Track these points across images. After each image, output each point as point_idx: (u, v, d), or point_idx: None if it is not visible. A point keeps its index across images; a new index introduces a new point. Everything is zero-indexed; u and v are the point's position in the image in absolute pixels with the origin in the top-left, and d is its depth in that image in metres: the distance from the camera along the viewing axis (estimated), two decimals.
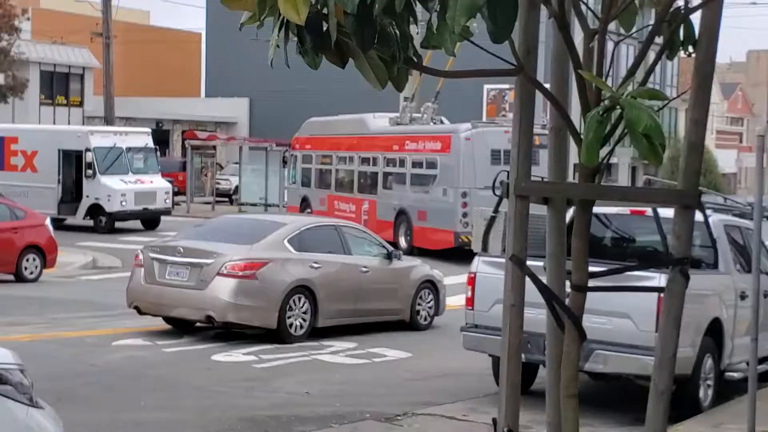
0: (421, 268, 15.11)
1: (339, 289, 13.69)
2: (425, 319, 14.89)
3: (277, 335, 12.97)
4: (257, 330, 13.35)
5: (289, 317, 13.01)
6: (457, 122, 26.79)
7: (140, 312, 13.58)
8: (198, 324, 13.53)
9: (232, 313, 12.70)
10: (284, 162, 34.44)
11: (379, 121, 28.82)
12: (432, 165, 25.28)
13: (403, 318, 14.63)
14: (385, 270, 14.46)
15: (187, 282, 12.89)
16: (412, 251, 23.95)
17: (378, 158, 27.59)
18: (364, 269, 14.10)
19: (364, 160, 28.36)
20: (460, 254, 25.26)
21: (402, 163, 26.48)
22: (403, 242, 25.39)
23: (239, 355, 12.16)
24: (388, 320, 14.50)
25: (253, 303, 12.76)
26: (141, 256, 13.51)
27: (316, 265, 13.45)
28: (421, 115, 28.11)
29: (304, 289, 13.22)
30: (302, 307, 13.17)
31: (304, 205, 31.35)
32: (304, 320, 13.21)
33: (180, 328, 13.70)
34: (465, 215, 23.67)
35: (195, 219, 33.47)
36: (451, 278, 17.26)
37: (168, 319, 13.74)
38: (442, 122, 27.98)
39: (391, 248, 14.85)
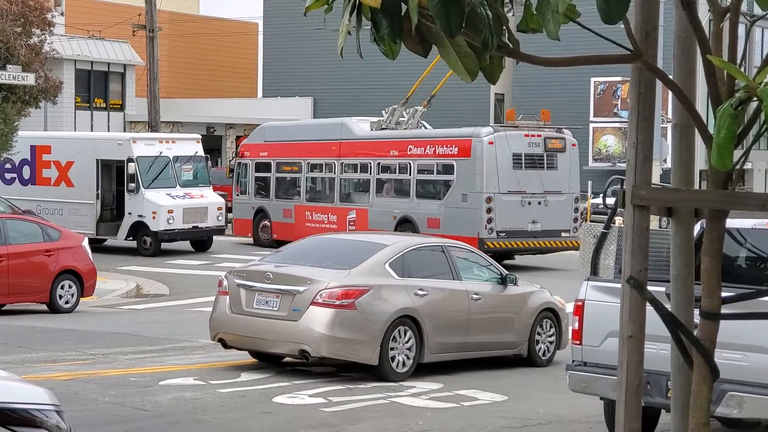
0: (541, 293, 15.15)
1: (448, 319, 13.80)
2: (544, 354, 14.92)
3: (378, 372, 13.16)
4: (326, 368, 13.41)
5: (391, 351, 13.14)
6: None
7: (225, 345, 13.92)
8: (280, 359, 13.87)
9: (328, 347, 12.93)
10: (230, 171, 35.86)
11: (362, 125, 31.28)
12: (447, 170, 27.77)
13: (520, 353, 14.69)
14: (499, 297, 14.52)
15: (277, 312, 13.15)
16: None
17: (369, 164, 29.95)
18: (476, 296, 14.17)
19: (349, 167, 30.84)
20: None
21: (404, 169, 28.96)
22: None
23: (305, 396, 12.23)
24: (502, 355, 14.53)
25: (351, 336, 12.97)
26: (225, 282, 13.85)
27: (421, 293, 13.59)
28: (407, 119, 30.64)
29: (408, 319, 13.37)
30: (407, 340, 13.32)
31: (260, 217, 33.38)
32: (408, 357, 13.35)
33: (268, 362, 14.05)
34: (490, 221, 26.44)
35: (251, 239, 33.81)
36: None
37: (254, 353, 14.06)
38: (425, 128, 30.69)
39: (505, 272, 14.91)
